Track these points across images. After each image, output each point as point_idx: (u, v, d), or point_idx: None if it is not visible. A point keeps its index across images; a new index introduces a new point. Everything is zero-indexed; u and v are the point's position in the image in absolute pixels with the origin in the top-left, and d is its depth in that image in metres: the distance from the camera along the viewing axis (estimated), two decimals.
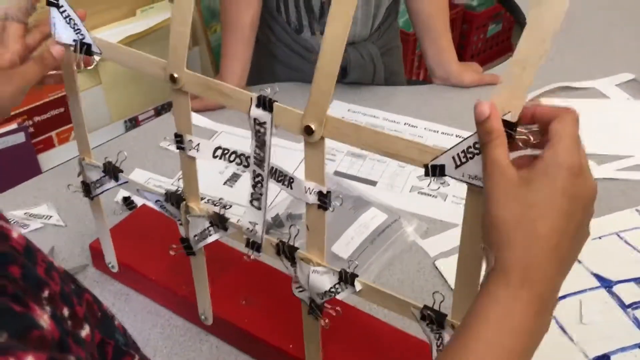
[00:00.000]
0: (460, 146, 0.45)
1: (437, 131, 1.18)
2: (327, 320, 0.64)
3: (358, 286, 0.59)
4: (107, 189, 0.75)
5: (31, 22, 0.69)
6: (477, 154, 0.44)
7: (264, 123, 0.55)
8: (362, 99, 1.28)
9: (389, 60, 1.38)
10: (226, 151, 0.62)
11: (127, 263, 0.84)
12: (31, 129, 1.32)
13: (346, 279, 0.59)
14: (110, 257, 0.84)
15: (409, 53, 2.37)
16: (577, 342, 0.80)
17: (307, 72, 1.32)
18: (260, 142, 0.57)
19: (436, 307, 0.56)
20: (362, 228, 0.91)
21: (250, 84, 1.27)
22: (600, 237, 0.95)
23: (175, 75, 0.60)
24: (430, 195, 1.03)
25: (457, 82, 1.31)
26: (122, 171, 0.73)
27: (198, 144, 0.63)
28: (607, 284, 0.87)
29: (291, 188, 0.58)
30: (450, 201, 1.01)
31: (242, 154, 0.61)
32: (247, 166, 0.60)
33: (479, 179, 0.45)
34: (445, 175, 0.47)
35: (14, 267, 0.34)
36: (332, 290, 0.60)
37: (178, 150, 0.65)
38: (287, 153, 1.06)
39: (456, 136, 1.17)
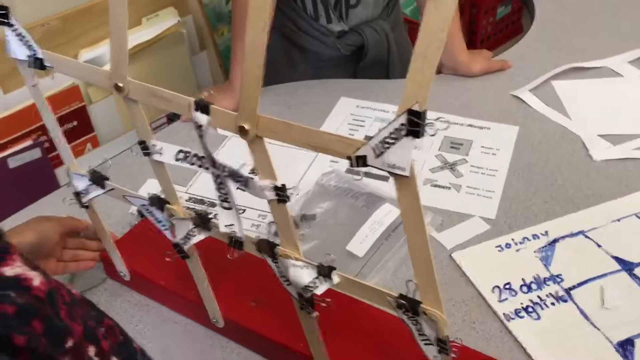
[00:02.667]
0: (378, 137, 0.47)
1: (448, 121, 1.17)
2: (316, 313, 0.65)
3: (336, 279, 0.60)
4: (95, 196, 0.77)
5: None
6: (393, 143, 0.46)
7: (201, 126, 0.57)
8: (372, 94, 1.27)
9: (398, 35, 1.40)
10: (187, 154, 0.63)
11: (138, 270, 0.85)
12: (46, 144, 1.34)
13: (324, 272, 0.60)
14: (120, 265, 0.85)
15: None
16: (600, 328, 0.79)
17: (323, 54, 1.34)
18: (203, 144, 0.59)
19: (410, 295, 0.56)
20: (376, 225, 0.91)
21: (268, 83, 1.29)
22: (619, 220, 0.94)
23: (120, 84, 0.61)
24: (444, 187, 1.02)
25: (466, 72, 1.30)
26: (108, 178, 0.75)
27: (161, 148, 0.65)
28: (628, 266, 0.86)
29: (248, 187, 0.59)
30: (464, 192, 1.01)
31: (203, 156, 0.62)
32: (207, 168, 0.62)
33: (397, 167, 0.47)
34: (367, 165, 0.48)
35: (37, 321, 0.35)
36: (311, 284, 0.61)
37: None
38: (297, 155, 1.06)
39: (467, 125, 1.16)
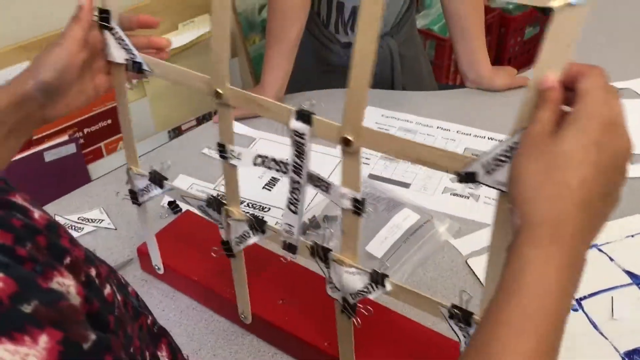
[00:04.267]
0: (490, 154, 0.47)
1: (470, 134, 1.20)
2: (359, 320, 0.67)
3: (388, 286, 0.61)
4: (154, 196, 0.80)
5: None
6: (506, 161, 0.46)
7: (303, 134, 0.58)
8: (395, 104, 1.31)
9: (407, 50, 1.42)
10: (265, 159, 0.65)
11: (172, 265, 0.89)
12: (81, 140, 1.40)
13: (377, 279, 0.61)
14: (156, 259, 0.89)
15: (445, 58, 2.39)
16: (608, 337, 0.81)
17: (332, 62, 1.37)
18: (300, 152, 0.60)
19: (463, 306, 0.58)
20: (395, 228, 0.94)
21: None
22: (632, 236, 0.96)
23: (219, 90, 0.63)
24: (463, 196, 1.05)
25: (488, 86, 1.33)
26: (167, 179, 0.77)
27: (240, 153, 0.67)
28: (638, 280, 0.88)
29: (328, 192, 0.61)
30: (482, 202, 1.04)
31: (281, 161, 0.64)
32: (285, 172, 0.63)
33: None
34: (476, 182, 0.48)
35: (41, 237, 0.38)
36: (364, 290, 0.63)
37: (220, 159, 0.69)
38: (322, 157, 1.10)
39: (488, 138, 1.19)
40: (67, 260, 0.39)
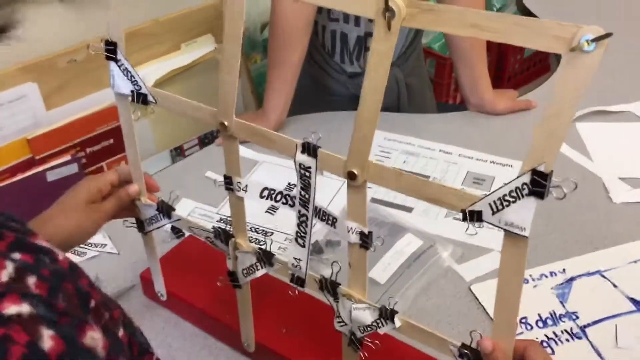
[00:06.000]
0: (497, 193, 0.47)
1: (472, 157, 1.20)
2: (366, 354, 0.67)
3: (397, 323, 0.61)
4: (161, 226, 0.80)
5: None
6: (514, 202, 0.46)
7: (309, 167, 0.58)
8: (397, 127, 1.31)
9: (414, 80, 1.43)
10: (272, 192, 0.65)
11: (175, 292, 0.88)
12: (83, 160, 1.40)
13: (386, 315, 0.61)
14: (160, 286, 0.89)
15: (445, 77, 2.40)
16: None
17: (337, 91, 1.38)
18: (305, 185, 0.60)
19: (473, 345, 0.57)
20: (398, 254, 0.94)
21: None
22: (635, 262, 0.96)
23: (225, 123, 0.64)
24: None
25: (491, 110, 1.34)
26: (174, 209, 0.78)
27: (246, 185, 0.67)
28: None
29: (334, 227, 0.61)
30: (485, 227, 1.03)
31: (287, 195, 0.64)
32: (292, 205, 0.64)
33: (515, 226, 0.47)
34: (482, 221, 0.48)
35: (67, 283, 0.39)
36: (373, 324, 0.63)
37: (227, 190, 0.69)
38: (325, 181, 1.10)
39: (490, 162, 1.20)
40: (92, 304, 0.40)
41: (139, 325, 0.61)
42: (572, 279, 0.93)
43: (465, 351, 0.57)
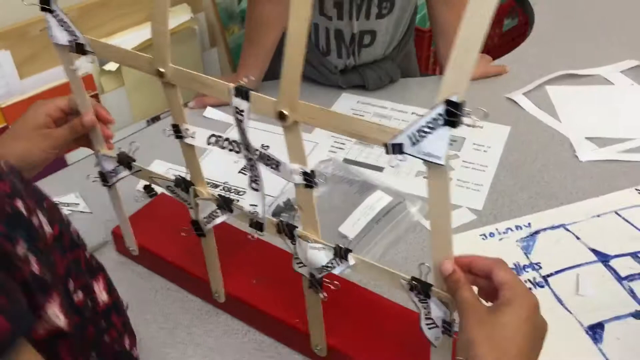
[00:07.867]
0: (415, 126, 0.48)
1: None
2: (325, 294, 0.69)
3: (352, 260, 0.63)
4: (122, 177, 0.81)
5: None
6: (430, 132, 0.48)
7: (242, 111, 0.60)
8: (372, 93, 1.33)
9: (405, 65, 1.44)
10: (219, 138, 0.67)
11: (146, 247, 0.90)
12: None
13: (341, 254, 0.63)
14: (130, 241, 0.90)
15: (424, 49, 2.41)
16: (573, 312, 0.83)
17: (323, 84, 1.38)
18: (241, 129, 0.61)
19: (423, 278, 0.60)
20: (368, 209, 0.96)
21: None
22: (599, 215, 0.99)
23: (161, 69, 0.65)
24: None
25: None
26: (134, 160, 0.79)
27: (194, 132, 0.69)
28: (603, 258, 0.91)
29: (279, 170, 0.63)
30: (454, 185, 1.06)
31: (234, 141, 0.65)
32: (238, 152, 0.65)
33: (433, 155, 0.49)
34: (403, 153, 0.50)
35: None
36: (329, 265, 0.65)
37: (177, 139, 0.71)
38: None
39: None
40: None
41: (113, 281, 0.63)
42: (536, 232, 0.96)
43: (415, 283, 0.59)
